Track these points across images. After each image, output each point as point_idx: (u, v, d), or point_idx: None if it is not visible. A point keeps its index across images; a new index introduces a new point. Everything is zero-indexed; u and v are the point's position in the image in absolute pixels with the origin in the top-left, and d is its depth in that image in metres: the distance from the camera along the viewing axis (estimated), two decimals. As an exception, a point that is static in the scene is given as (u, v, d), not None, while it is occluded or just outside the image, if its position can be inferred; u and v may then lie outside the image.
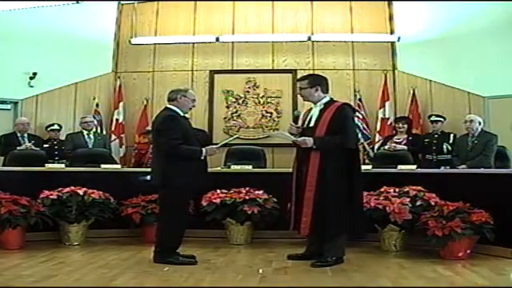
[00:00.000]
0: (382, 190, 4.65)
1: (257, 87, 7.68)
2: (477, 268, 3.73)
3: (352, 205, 3.86)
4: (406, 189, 4.59)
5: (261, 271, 3.69)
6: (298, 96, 4.42)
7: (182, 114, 4.03)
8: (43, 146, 6.56)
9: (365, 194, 4.29)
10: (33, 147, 6.32)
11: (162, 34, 7.78)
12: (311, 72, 7.13)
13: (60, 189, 4.85)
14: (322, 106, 4.03)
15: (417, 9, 7.30)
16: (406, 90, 7.36)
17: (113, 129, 7.54)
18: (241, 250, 4.66)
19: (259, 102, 7.66)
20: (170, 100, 4.06)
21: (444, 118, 6.57)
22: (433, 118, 6.57)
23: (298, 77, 4.80)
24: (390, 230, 4.50)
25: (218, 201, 4.85)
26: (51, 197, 4.75)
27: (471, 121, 5.81)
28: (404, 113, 7.18)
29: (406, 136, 6.56)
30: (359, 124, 7.03)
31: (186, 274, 3.54)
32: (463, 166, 5.64)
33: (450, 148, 6.21)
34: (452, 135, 6.33)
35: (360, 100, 7.37)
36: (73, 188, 4.85)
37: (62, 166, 5.72)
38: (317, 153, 3.89)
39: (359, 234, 4.20)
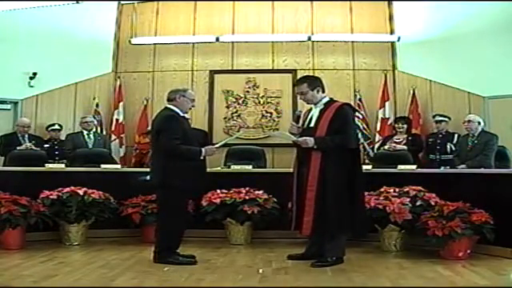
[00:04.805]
0: (382, 190, 4.66)
1: (257, 87, 7.67)
2: (477, 268, 3.73)
3: (353, 205, 3.86)
4: (406, 189, 4.60)
5: (261, 271, 3.69)
6: (298, 96, 4.42)
7: (181, 113, 4.03)
8: (43, 146, 6.55)
9: (365, 193, 4.28)
10: (33, 147, 6.31)
11: (162, 34, 7.77)
12: (311, 72, 7.19)
13: (60, 189, 4.85)
14: (322, 106, 4.04)
15: (417, 9, 7.30)
16: (406, 89, 7.35)
17: (113, 129, 7.53)
18: (241, 250, 4.66)
19: (259, 102, 7.66)
20: (169, 100, 4.07)
21: (449, 118, 6.57)
22: (437, 118, 6.57)
23: (298, 78, 4.75)
24: (390, 230, 4.50)
25: (218, 201, 4.85)
26: (51, 197, 4.76)
27: (469, 121, 5.81)
28: (404, 113, 7.18)
29: (405, 136, 6.57)
30: (359, 124, 7.02)
31: (186, 274, 3.54)
32: (463, 165, 5.64)
33: (453, 148, 6.20)
34: (456, 135, 6.30)
35: (360, 100, 7.36)
36: (73, 188, 4.85)
37: (62, 165, 5.72)
38: (317, 153, 3.89)
39: (360, 234, 4.20)
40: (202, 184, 4.23)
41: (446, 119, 6.55)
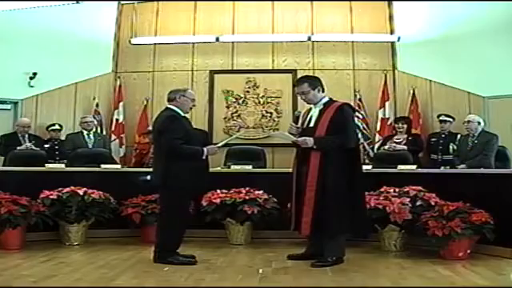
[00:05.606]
0: (382, 189, 4.66)
1: (257, 87, 7.68)
2: (477, 268, 3.73)
3: (353, 205, 3.86)
4: (406, 189, 4.59)
5: (261, 271, 3.69)
6: (298, 96, 4.42)
7: (182, 114, 4.04)
8: (43, 146, 6.55)
9: (365, 193, 4.28)
10: (33, 147, 6.31)
11: (162, 34, 7.78)
12: (311, 72, 7.18)
13: (60, 189, 4.85)
14: (322, 107, 4.04)
15: (417, 9, 7.30)
16: (405, 90, 7.36)
17: (113, 129, 7.54)
18: (241, 250, 4.66)
19: (259, 102, 7.66)
20: (169, 100, 4.07)
21: (453, 118, 6.57)
22: (442, 118, 6.58)
23: (298, 78, 4.75)
24: (390, 230, 4.50)
25: (218, 201, 4.85)
26: (51, 197, 4.75)
27: (469, 121, 5.82)
28: (404, 113, 7.18)
29: (405, 136, 6.57)
30: (359, 124, 7.03)
31: (186, 274, 3.54)
32: (463, 165, 5.63)
33: (456, 148, 6.20)
34: (459, 136, 6.28)
35: (360, 100, 7.36)
36: (73, 188, 4.85)
37: (62, 166, 5.72)
38: (317, 153, 3.89)
39: (362, 234, 4.20)
40: (204, 184, 4.23)
41: (451, 119, 6.56)
